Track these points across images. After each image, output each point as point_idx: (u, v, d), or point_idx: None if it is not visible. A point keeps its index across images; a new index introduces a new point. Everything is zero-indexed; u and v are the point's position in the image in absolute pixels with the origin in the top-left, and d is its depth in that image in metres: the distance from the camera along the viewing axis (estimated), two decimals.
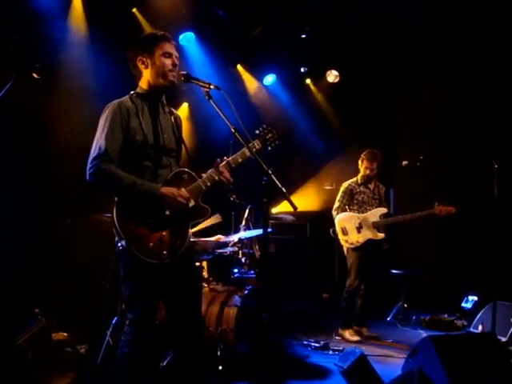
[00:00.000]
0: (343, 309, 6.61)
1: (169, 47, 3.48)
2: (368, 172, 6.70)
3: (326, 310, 7.78)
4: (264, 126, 3.88)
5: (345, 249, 6.66)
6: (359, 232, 6.55)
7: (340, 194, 6.77)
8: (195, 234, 5.50)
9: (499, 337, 5.20)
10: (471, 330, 6.45)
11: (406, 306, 7.74)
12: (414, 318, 7.64)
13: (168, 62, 3.45)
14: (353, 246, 6.52)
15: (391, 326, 7.48)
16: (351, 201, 6.71)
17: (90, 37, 6.33)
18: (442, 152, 8.32)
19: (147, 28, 6.60)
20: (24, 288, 5.39)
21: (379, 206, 6.77)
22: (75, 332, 5.18)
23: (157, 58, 3.44)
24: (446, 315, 7.41)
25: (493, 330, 5.27)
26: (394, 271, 7.83)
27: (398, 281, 7.82)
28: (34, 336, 4.68)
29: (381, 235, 6.58)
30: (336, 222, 6.66)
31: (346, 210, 6.68)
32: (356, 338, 6.45)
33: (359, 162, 6.82)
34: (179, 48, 3.66)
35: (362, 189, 6.75)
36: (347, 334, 6.54)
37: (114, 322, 4.95)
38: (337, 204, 6.74)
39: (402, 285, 7.80)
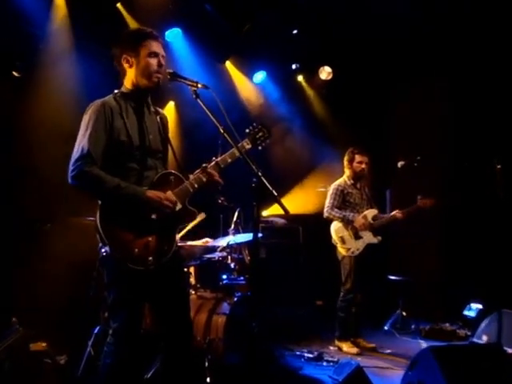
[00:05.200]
0: (340, 319, 6.60)
1: (155, 46, 3.51)
2: (363, 167, 6.69)
3: (319, 318, 7.78)
4: (254, 124, 3.91)
5: (339, 254, 6.66)
6: (357, 238, 6.56)
7: (330, 195, 6.72)
8: (182, 238, 5.52)
9: (505, 348, 5.09)
10: (475, 340, 6.30)
11: (404, 314, 7.75)
12: (413, 327, 7.63)
13: (153, 62, 3.47)
14: (355, 255, 6.52)
15: (389, 335, 7.48)
16: (342, 203, 6.71)
17: (72, 33, 6.33)
18: (440, 152, 8.36)
19: (132, 24, 6.61)
20: (0, 296, 5.37)
21: (369, 206, 6.81)
22: (55, 342, 5.16)
23: (142, 57, 3.47)
24: (447, 324, 7.39)
25: (498, 341, 5.22)
26: (391, 277, 7.85)
27: (396, 287, 7.83)
28: (11, 347, 4.67)
29: (378, 238, 6.62)
30: (332, 231, 6.66)
31: (340, 208, 6.67)
32: (355, 351, 6.43)
33: (345, 162, 6.81)
34: (165, 45, 3.67)
35: (352, 190, 6.75)
36: (345, 346, 6.53)
37: (95, 331, 4.95)
38: (328, 204, 6.69)
39: (399, 292, 7.80)
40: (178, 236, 5.68)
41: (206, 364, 4.85)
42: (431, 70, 8.60)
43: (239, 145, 3.67)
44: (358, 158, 6.71)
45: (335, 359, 6.00)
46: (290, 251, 8.34)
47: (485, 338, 6.16)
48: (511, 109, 7.73)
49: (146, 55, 3.46)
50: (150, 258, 3.32)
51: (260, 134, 3.89)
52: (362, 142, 7.29)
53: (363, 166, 6.70)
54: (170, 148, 3.69)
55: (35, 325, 5.04)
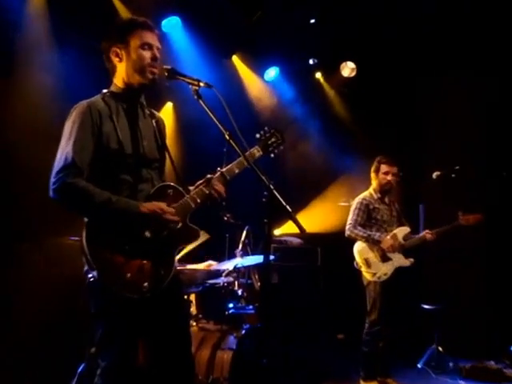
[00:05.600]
0: (366, 355, 6.52)
1: (149, 37, 3.51)
2: (388, 179, 6.65)
3: (341, 355, 7.76)
4: (266, 128, 3.92)
5: (364, 279, 6.63)
6: (384, 261, 6.52)
7: (353, 211, 6.68)
8: (181, 260, 5.52)
9: None
10: None
11: (440, 349, 7.66)
12: (451, 364, 7.49)
13: (147, 54, 3.48)
14: (382, 280, 6.47)
15: (423, 374, 7.36)
16: (368, 220, 6.69)
17: (52, 21, 6.35)
18: (480, 161, 8.32)
19: (123, 12, 6.64)
20: None
21: (399, 224, 6.78)
22: (31, 383, 5.14)
23: (133, 49, 3.47)
24: (491, 362, 7.27)
25: None
26: (425, 306, 7.80)
27: (431, 318, 7.76)
28: None
29: (410, 260, 6.58)
30: (356, 253, 6.61)
31: (365, 226, 6.65)
32: None
33: (372, 173, 6.80)
34: (162, 36, 3.69)
35: (379, 205, 6.72)
36: None
37: (80, 370, 4.93)
38: (350, 221, 6.65)
39: (435, 323, 7.73)
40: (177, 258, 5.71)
41: None
42: (471, 64, 8.55)
43: (248, 152, 3.68)
44: (383, 168, 6.69)
45: None
46: (306, 276, 8.33)
47: None
48: None
49: (138, 46, 3.47)
50: (145, 284, 3.29)
51: (272, 139, 3.91)
52: (391, 148, 7.29)
53: (389, 177, 6.68)
54: (167, 156, 3.69)
55: (8, 362, 5.02)
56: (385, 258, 6.52)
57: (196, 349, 5.15)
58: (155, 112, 3.75)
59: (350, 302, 7.51)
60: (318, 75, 9.69)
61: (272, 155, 3.92)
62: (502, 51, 8.12)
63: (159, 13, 7.05)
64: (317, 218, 8.95)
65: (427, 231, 6.61)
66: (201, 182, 3.61)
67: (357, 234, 6.56)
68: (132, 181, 3.40)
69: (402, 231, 6.64)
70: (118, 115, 3.45)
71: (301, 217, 8.47)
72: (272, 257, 6.74)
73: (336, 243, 7.63)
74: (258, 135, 3.87)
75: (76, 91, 4.10)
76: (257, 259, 5.83)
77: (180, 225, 3.46)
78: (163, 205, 3.36)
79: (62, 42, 6.36)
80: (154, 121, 3.66)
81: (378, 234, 6.53)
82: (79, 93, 3.65)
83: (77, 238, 3.34)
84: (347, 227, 6.65)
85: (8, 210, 5.92)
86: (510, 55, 8.07)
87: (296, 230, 3.28)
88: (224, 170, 3.66)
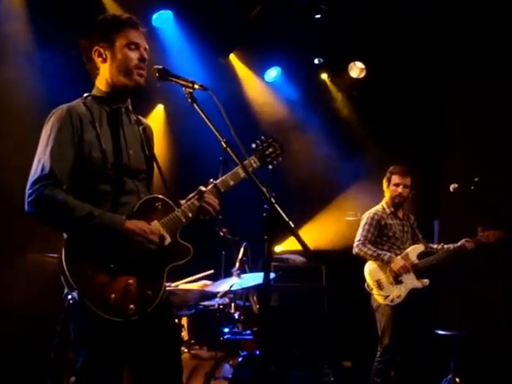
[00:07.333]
0: None
1: (135, 35, 3.51)
2: (399, 191, 6.68)
3: None
4: (263, 137, 3.92)
5: (374, 302, 6.61)
6: (398, 282, 6.51)
7: (363, 226, 6.73)
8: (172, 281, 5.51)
9: None
10: None
11: (457, 380, 7.63)
12: None
13: (134, 55, 3.47)
14: (395, 303, 6.46)
15: None
16: (379, 237, 6.69)
17: (30, 15, 6.34)
18: (503, 172, 8.30)
19: (111, 7, 6.60)
20: None
21: (413, 241, 6.76)
22: None
23: (118, 49, 3.46)
24: None
25: None
26: (440, 332, 7.76)
27: (447, 345, 7.73)
28: None
29: (425, 281, 6.58)
30: (366, 274, 6.63)
31: (376, 243, 6.63)
32: None
33: (384, 184, 6.84)
34: (152, 32, 3.68)
35: (391, 220, 6.74)
36: None
37: None
38: (359, 238, 6.68)
39: (452, 351, 7.69)
40: (176, 284, 5.71)
41: None
42: (498, 64, 8.48)
43: (245, 162, 3.66)
44: (395, 178, 6.71)
45: None
46: (310, 297, 8.30)
47: None
48: None
49: (124, 46, 3.47)
50: (131, 307, 3.27)
51: (270, 149, 3.91)
52: (404, 157, 7.26)
53: (400, 189, 6.69)
54: (155, 166, 3.67)
55: None
56: (397, 280, 6.50)
57: (187, 378, 5.13)
58: (142, 118, 3.74)
59: (358, 327, 7.48)
60: (324, 76, 9.67)
61: (270, 167, 3.90)
62: None
63: (149, 6, 7.02)
64: (322, 233, 8.94)
65: (467, 239, 6.58)
66: (192, 194, 3.59)
67: (366, 252, 6.54)
68: (115, 193, 3.38)
69: (415, 250, 6.65)
70: (101, 121, 3.44)
71: (304, 232, 8.45)
72: (272, 276, 6.71)
73: (343, 262, 7.63)
74: (254, 145, 3.87)
75: (58, 93, 4.09)
76: (255, 279, 5.81)
77: (169, 241, 3.45)
78: (145, 225, 3.34)
79: (41, 37, 6.35)
80: (140, 128, 3.64)
81: (388, 253, 6.52)
82: (62, 95, 3.64)
83: (56, 256, 3.30)
84: (356, 244, 6.65)
85: None
86: None
87: (299, 247, 3.25)
88: (218, 181, 3.65)
